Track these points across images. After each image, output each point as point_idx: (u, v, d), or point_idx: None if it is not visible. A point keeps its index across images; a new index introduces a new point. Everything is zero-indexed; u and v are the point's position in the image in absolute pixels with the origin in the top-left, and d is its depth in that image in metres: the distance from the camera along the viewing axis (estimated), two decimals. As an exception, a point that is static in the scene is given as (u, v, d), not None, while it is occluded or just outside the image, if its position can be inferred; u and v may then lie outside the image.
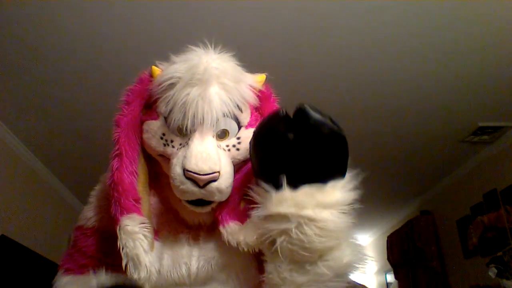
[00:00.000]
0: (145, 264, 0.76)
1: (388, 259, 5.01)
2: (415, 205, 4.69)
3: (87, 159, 3.45)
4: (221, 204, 0.84)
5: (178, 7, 2.05)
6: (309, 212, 0.71)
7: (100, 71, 2.50)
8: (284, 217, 0.72)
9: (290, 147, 0.73)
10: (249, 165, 0.84)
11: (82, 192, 2.61)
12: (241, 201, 0.86)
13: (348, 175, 0.76)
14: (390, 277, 5.21)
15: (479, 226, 3.49)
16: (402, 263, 4.70)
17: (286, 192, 0.73)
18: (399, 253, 4.71)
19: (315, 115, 0.71)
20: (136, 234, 0.76)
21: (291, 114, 0.74)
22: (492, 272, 2.89)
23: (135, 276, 0.75)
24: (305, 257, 0.73)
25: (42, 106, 2.85)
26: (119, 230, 0.76)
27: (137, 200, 0.81)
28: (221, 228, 0.83)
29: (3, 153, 3.12)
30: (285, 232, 0.73)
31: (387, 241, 5.08)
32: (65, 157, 3.51)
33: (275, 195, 0.74)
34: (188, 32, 2.14)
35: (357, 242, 0.79)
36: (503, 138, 3.21)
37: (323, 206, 0.72)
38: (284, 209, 0.72)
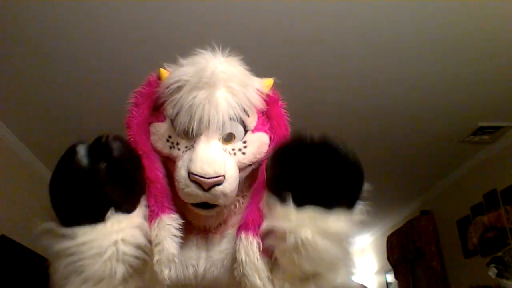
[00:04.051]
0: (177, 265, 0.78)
1: (388, 259, 5.01)
2: (415, 205, 4.69)
3: (87, 159, 3.44)
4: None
5: (184, 10, 2.05)
6: (307, 233, 0.70)
7: (100, 71, 2.49)
8: (283, 233, 0.73)
9: (306, 168, 0.72)
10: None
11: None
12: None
13: (358, 207, 0.75)
14: (390, 277, 5.21)
15: (479, 226, 3.49)
16: (402, 263, 4.71)
17: (290, 208, 0.73)
18: (399, 253, 4.71)
19: (339, 146, 0.72)
20: (176, 235, 0.78)
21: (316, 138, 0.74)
22: (492, 272, 2.88)
23: (165, 273, 0.76)
24: (298, 273, 0.74)
25: (42, 106, 2.84)
26: (157, 225, 0.77)
27: (172, 201, 0.82)
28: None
29: (3, 153, 3.11)
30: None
31: (387, 241, 5.09)
32: (66, 157, 3.51)
33: (279, 209, 0.74)
34: (195, 34, 2.14)
35: (352, 262, 0.80)
36: (503, 138, 3.21)
37: (322, 233, 0.71)
38: (284, 224, 0.72)
